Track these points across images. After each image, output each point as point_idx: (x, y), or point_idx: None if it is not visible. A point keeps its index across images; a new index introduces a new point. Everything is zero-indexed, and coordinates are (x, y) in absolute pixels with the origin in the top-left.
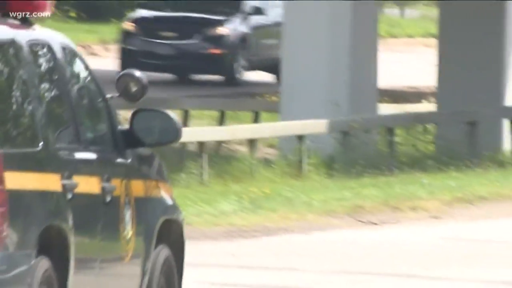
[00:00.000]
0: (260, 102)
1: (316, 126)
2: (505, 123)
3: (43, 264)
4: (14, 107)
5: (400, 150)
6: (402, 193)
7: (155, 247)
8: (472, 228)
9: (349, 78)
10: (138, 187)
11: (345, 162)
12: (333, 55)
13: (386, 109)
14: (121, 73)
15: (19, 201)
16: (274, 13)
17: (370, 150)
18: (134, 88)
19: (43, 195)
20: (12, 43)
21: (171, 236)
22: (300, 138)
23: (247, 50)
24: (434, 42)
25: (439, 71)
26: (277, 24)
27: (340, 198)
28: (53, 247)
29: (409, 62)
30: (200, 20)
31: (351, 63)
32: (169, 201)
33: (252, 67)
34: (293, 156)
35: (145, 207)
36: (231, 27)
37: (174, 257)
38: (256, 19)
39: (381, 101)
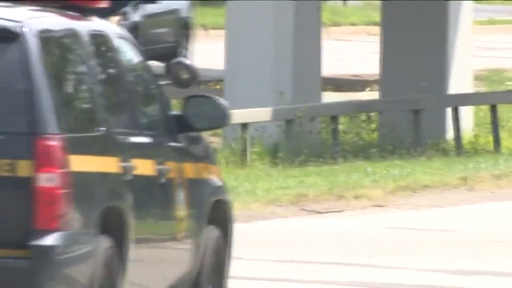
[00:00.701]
0: (203, 90)
1: (260, 114)
2: (448, 111)
3: (105, 242)
4: (77, 94)
5: (344, 139)
6: (346, 181)
7: (206, 227)
8: (415, 217)
9: (293, 67)
10: (190, 169)
11: (289, 151)
12: (277, 44)
13: (329, 97)
14: (173, 62)
15: (82, 183)
16: (167, 2)
17: (314, 139)
18: (185, 76)
19: (104, 177)
20: (74, 33)
21: (221, 216)
22: (244, 126)
23: (138, 39)
24: (377, 30)
25: (382, 59)
26: (170, 12)
27: (284, 186)
28: (113, 226)
29: (352, 50)
30: (90, 8)
31: (294, 52)
32: (218, 183)
33: (144, 56)
34: (237, 144)
35: (196, 189)
36: (123, 16)
37: (223, 236)
38: (148, 8)
39: (324, 90)
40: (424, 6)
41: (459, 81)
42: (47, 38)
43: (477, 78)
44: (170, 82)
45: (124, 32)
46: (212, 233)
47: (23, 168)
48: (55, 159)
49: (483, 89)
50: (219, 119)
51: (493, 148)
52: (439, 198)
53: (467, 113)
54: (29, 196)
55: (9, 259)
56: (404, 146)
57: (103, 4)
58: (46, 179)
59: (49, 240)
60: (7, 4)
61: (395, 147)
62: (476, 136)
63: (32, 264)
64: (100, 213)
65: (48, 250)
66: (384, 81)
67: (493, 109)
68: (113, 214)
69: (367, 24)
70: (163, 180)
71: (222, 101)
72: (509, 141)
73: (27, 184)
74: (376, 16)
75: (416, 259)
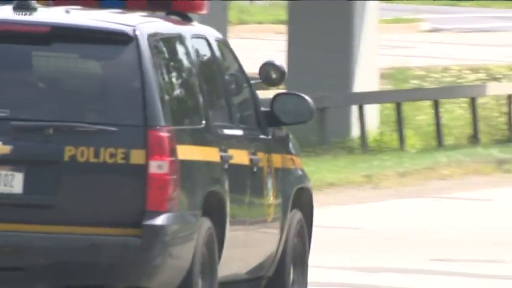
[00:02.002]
0: None
1: None
2: (354, 109)
3: (206, 223)
4: (182, 91)
5: None
6: None
7: (290, 211)
8: (321, 215)
9: None
10: (277, 159)
11: None
12: None
13: None
14: (263, 63)
15: (188, 170)
16: None
17: None
18: (274, 75)
19: (206, 165)
20: (178, 36)
21: (302, 201)
22: None
23: None
24: (284, 29)
25: (288, 58)
26: None
27: None
28: (212, 209)
29: (258, 49)
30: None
31: None
32: (301, 172)
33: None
34: None
35: (283, 177)
36: None
37: (305, 219)
38: None
39: None
40: (329, 5)
41: (365, 79)
42: (156, 40)
43: (383, 76)
44: (260, 81)
45: (220, 35)
46: (295, 217)
47: (137, 157)
48: (165, 148)
49: (388, 87)
50: (305, 114)
51: (398, 146)
52: (344, 196)
53: (372, 111)
54: (142, 182)
55: (125, 237)
56: (310, 144)
57: (204, 11)
58: (157, 166)
59: (160, 220)
60: (119, 11)
61: (300, 145)
62: (381, 134)
63: (144, 241)
64: (203, 197)
65: (158, 229)
66: (289, 80)
67: (398, 107)
68: (213, 198)
69: (274, 22)
70: (255, 169)
71: (308, 98)
72: (414, 139)
73: (140, 170)
74: (283, 15)
75: (321, 256)
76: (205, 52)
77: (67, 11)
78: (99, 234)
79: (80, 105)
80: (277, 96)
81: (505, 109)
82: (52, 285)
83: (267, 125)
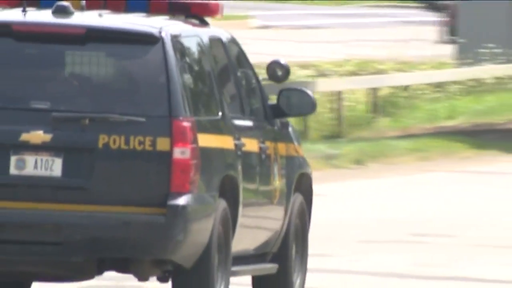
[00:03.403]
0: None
1: None
2: None
3: (222, 204)
4: (201, 85)
5: None
6: None
7: (293, 194)
8: None
9: None
10: (282, 147)
11: None
12: None
13: None
14: (270, 61)
15: (207, 156)
16: None
17: None
18: (279, 72)
19: (222, 152)
20: (197, 37)
21: (303, 186)
22: None
23: None
24: None
25: None
26: None
27: None
28: (227, 191)
29: None
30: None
31: None
32: (302, 159)
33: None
34: None
35: (286, 163)
36: None
37: (305, 202)
38: None
39: None
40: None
41: None
42: (179, 41)
43: None
44: (267, 77)
45: (233, 36)
46: (297, 199)
47: (162, 144)
48: (187, 136)
49: None
50: (308, 107)
51: None
52: None
53: None
54: (167, 166)
55: (151, 215)
56: None
57: (219, 15)
58: (180, 152)
59: (182, 201)
60: (146, 14)
61: None
62: None
63: (168, 219)
64: (219, 180)
65: (181, 209)
66: None
67: None
68: (228, 181)
69: None
70: (263, 156)
71: (310, 92)
72: None
73: (165, 156)
74: None
75: None
76: (220, 51)
77: (100, 15)
78: (128, 213)
79: (112, 98)
80: (282, 91)
81: (333, 105)
82: (86, 257)
83: (274, 117)
